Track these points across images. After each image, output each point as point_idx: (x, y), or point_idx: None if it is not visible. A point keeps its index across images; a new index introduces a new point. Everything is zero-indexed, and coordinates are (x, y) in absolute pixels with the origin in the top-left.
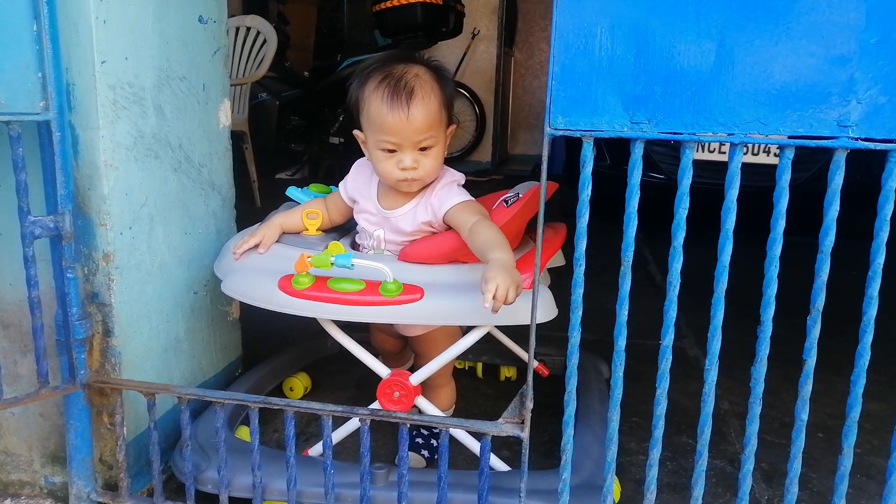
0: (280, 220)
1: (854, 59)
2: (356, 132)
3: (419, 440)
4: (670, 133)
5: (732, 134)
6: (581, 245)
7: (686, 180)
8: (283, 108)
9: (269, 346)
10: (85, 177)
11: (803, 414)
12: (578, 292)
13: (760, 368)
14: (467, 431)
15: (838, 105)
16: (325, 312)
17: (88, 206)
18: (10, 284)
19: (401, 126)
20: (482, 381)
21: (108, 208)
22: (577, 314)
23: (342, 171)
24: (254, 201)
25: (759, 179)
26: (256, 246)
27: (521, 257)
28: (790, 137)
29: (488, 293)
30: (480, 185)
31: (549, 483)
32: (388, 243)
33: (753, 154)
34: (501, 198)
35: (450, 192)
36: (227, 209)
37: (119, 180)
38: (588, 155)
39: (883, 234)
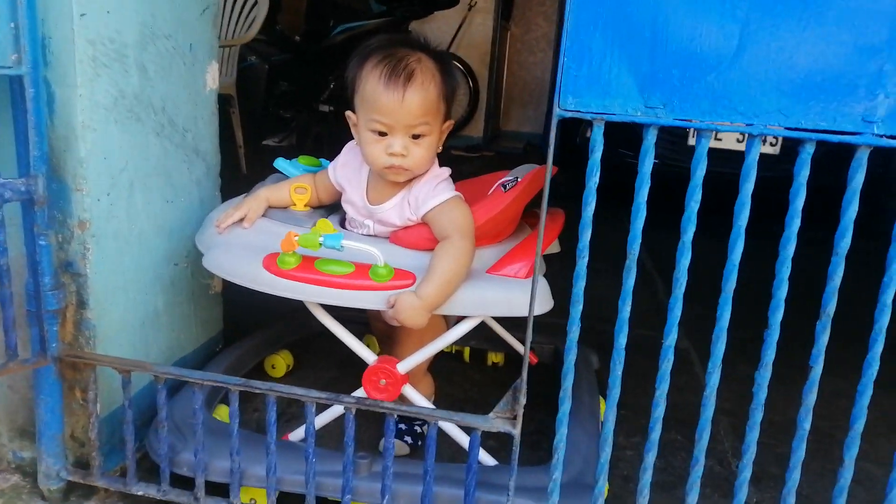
0: (266, 193)
1: (885, 50)
2: (348, 113)
3: (402, 426)
4: (685, 120)
5: (752, 125)
6: (585, 235)
7: (700, 171)
8: (272, 72)
9: (252, 321)
10: (60, 137)
11: (806, 423)
12: (580, 285)
13: (765, 374)
14: (457, 425)
15: (865, 98)
16: (311, 295)
17: (64, 169)
18: None
19: (394, 107)
20: (469, 365)
21: (85, 172)
22: (577, 308)
23: (331, 140)
24: (240, 168)
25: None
26: (241, 220)
27: (518, 245)
28: (810, 131)
29: (387, 314)
30: (471, 160)
31: (538, 480)
32: (377, 231)
33: (738, 140)
34: (499, 181)
35: (431, 191)
36: (212, 177)
37: (97, 143)
38: (598, 139)
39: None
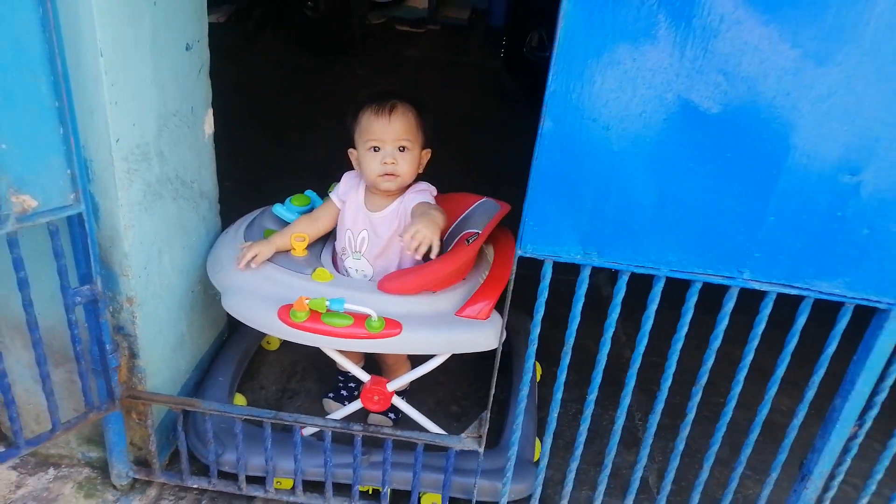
0: (276, 240)
1: (760, 221)
2: (350, 150)
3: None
4: (613, 262)
5: (659, 269)
6: (532, 349)
7: (619, 296)
8: None
9: None
10: (106, 237)
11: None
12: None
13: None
14: (437, 445)
15: (740, 255)
16: (318, 342)
17: (111, 259)
18: (39, 314)
19: (384, 127)
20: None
21: (129, 262)
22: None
23: (275, 23)
24: None
25: None
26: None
27: (480, 288)
28: (700, 274)
29: (407, 234)
30: (418, 38)
31: (492, 463)
32: (369, 246)
33: None
34: (464, 235)
35: (419, 196)
36: (213, 207)
37: (136, 236)
38: (547, 273)
39: (748, 359)
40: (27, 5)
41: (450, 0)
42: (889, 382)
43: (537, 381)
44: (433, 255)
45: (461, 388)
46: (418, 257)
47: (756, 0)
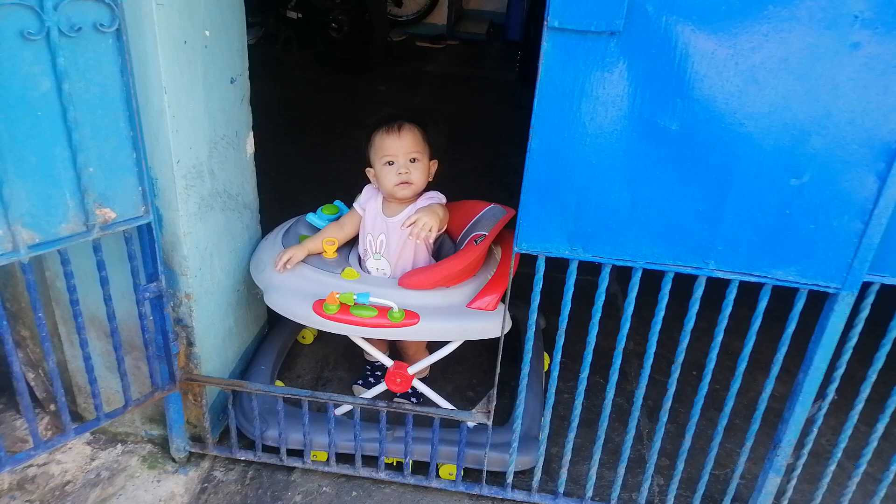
0: (308, 244)
1: (719, 219)
2: (367, 169)
3: (409, 391)
4: (596, 257)
5: (636, 262)
6: (527, 359)
7: (603, 285)
8: None
9: None
10: (168, 242)
11: (663, 417)
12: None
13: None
14: (452, 419)
15: (705, 248)
16: (349, 331)
17: (172, 262)
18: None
19: (395, 143)
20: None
21: (188, 263)
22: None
23: (299, 44)
24: None
25: None
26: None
27: (488, 282)
28: (671, 266)
29: (408, 221)
30: (437, 53)
31: (501, 437)
32: (387, 247)
33: None
34: (473, 236)
35: (429, 201)
36: (255, 217)
37: (193, 241)
38: (540, 267)
39: (718, 339)
40: (112, 57)
41: (468, 15)
42: (845, 359)
43: (545, 370)
44: (431, 241)
45: (475, 375)
46: (419, 241)
47: (703, 37)
